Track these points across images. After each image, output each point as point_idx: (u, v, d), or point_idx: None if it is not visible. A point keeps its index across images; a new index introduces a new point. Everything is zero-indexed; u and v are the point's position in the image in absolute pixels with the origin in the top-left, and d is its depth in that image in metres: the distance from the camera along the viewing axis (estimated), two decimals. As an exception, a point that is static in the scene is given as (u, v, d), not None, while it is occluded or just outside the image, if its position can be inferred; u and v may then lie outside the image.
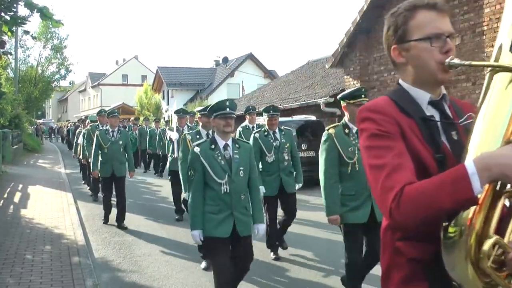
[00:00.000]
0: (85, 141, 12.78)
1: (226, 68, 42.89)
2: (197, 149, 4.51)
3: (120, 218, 9.37)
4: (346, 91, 5.15)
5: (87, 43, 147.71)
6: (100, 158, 9.61)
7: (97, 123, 12.28)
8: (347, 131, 4.89)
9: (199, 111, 7.57)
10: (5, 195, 12.78)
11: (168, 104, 43.21)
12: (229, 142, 4.58)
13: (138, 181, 16.14)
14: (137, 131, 21.21)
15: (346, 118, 4.99)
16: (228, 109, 4.49)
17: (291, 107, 18.62)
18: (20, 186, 14.59)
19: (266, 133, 7.20)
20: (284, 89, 23.20)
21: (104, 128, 10.12)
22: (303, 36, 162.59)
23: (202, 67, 48.31)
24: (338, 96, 5.36)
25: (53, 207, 11.05)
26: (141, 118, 30.75)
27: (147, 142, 19.13)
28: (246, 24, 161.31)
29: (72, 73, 47.47)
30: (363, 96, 4.95)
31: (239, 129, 9.57)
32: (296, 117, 15.92)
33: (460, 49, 12.22)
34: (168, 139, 10.55)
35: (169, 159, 10.11)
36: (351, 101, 4.92)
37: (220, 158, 4.49)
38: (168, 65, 45.26)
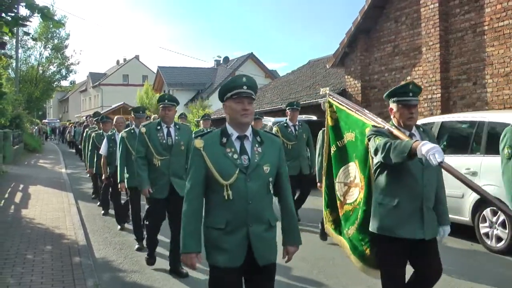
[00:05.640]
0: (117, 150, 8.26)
1: (227, 68, 42.88)
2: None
3: (177, 257, 6.12)
4: None
5: (88, 43, 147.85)
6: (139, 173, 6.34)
7: (131, 128, 8.10)
8: None
9: None
10: (6, 195, 12.78)
11: (168, 104, 43.11)
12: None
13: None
14: None
15: None
16: None
17: (292, 107, 18.59)
18: (21, 186, 14.60)
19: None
20: (285, 89, 23.20)
21: (154, 123, 6.52)
22: (304, 36, 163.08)
23: (202, 67, 48.32)
24: None
25: (54, 207, 11.05)
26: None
27: None
28: (247, 23, 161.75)
29: (73, 73, 47.61)
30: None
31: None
32: (297, 117, 15.90)
33: (461, 49, 12.23)
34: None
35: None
36: None
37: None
38: (169, 65, 45.23)
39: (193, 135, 6.53)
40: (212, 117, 15.98)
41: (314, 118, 15.62)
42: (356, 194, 4.66)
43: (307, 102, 17.36)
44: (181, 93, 41.61)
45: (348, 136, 4.84)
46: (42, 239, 8.11)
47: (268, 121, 14.21)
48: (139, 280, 6.25)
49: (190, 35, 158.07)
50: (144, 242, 7.49)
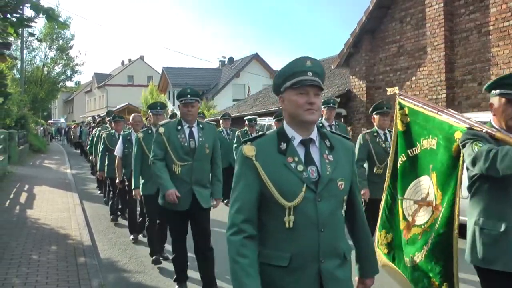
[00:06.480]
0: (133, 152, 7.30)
1: (232, 68, 42.89)
2: None
3: (212, 277, 5.66)
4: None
5: (93, 44, 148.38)
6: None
7: (148, 128, 7.28)
8: None
9: None
10: (11, 196, 12.82)
11: (173, 104, 43.19)
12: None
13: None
14: None
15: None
16: None
17: (296, 107, 18.60)
18: (26, 186, 14.63)
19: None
20: (289, 90, 23.18)
21: (173, 122, 5.61)
22: (309, 36, 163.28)
23: (207, 67, 48.37)
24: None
25: (59, 208, 11.07)
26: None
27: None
28: (251, 24, 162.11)
29: (77, 74, 47.93)
30: None
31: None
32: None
33: (466, 49, 12.19)
34: None
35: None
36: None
37: None
38: (174, 66, 45.28)
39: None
40: (216, 118, 15.95)
41: (319, 118, 15.59)
42: (428, 215, 3.77)
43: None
44: (186, 93, 41.57)
45: (426, 143, 3.85)
46: (47, 239, 8.13)
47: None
48: (144, 280, 6.26)
49: (194, 36, 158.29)
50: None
